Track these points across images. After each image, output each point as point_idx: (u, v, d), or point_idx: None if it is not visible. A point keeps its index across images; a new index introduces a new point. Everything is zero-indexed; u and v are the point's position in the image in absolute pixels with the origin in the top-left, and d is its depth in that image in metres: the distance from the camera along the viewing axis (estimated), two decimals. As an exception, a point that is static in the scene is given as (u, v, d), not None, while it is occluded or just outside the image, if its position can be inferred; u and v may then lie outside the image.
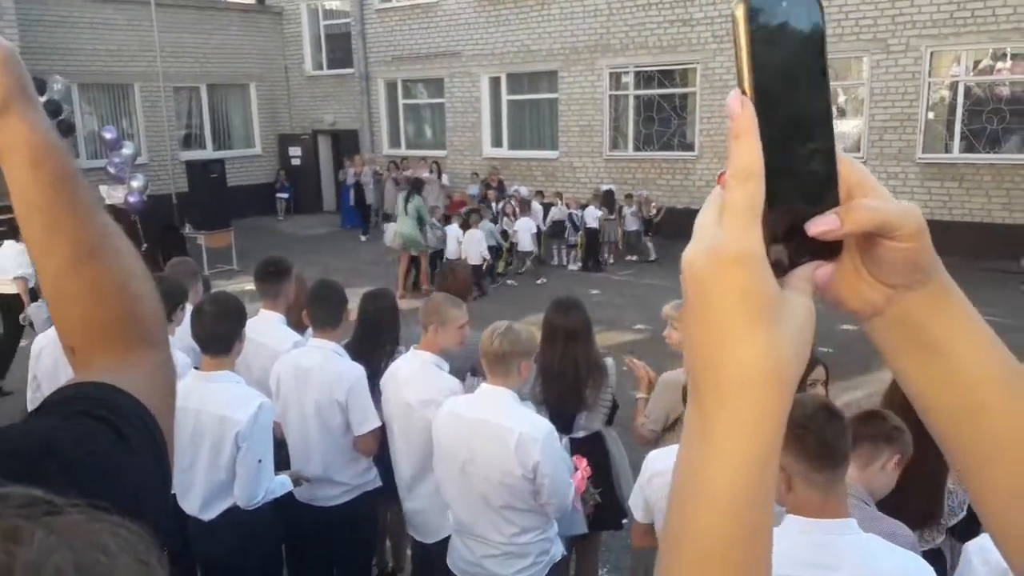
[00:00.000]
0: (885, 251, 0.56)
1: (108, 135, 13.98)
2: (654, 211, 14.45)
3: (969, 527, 2.90)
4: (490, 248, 12.30)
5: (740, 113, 0.52)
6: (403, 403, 3.55)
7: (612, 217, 14.08)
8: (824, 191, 0.54)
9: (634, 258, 14.23)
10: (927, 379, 0.60)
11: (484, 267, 12.06)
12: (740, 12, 0.52)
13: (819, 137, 0.54)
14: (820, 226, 0.53)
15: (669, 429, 3.72)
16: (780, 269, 0.53)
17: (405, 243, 12.07)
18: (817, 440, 1.88)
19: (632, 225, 14.31)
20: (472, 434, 3.07)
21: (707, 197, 0.55)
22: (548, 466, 2.97)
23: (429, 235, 12.22)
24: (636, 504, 3.05)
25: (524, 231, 13.22)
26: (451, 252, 11.84)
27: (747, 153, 0.51)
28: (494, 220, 13.04)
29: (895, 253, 0.55)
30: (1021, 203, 12.69)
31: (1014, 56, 13.02)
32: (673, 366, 4.19)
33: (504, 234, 13.15)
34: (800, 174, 0.53)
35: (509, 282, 12.88)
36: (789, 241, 0.54)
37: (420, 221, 12.00)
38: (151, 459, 0.74)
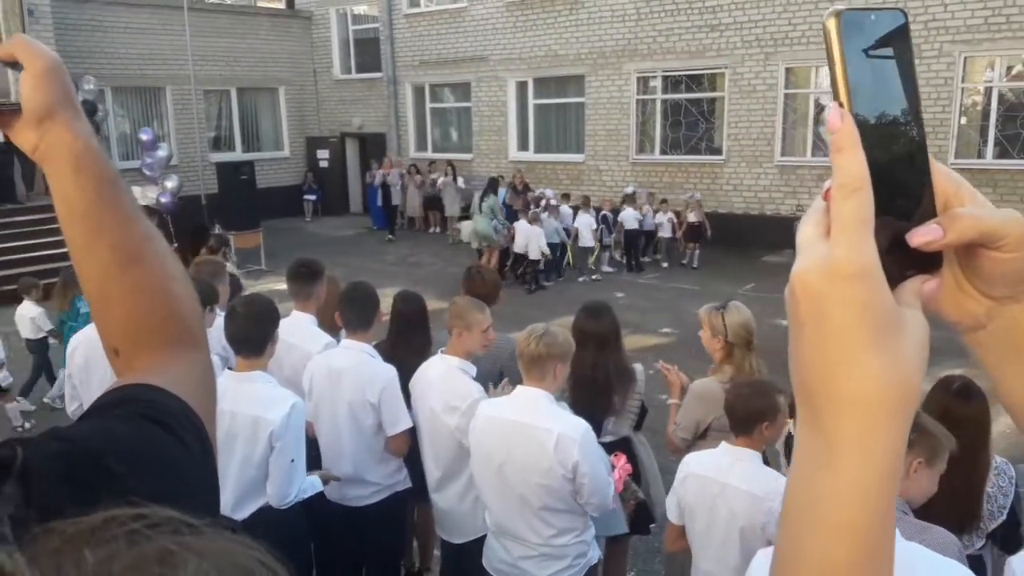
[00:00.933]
0: (988, 262, 0.54)
1: (145, 136, 14.22)
2: (698, 217, 13.97)
3: (1010, 532, 2.86)
4: (551, 245, 12.69)
5: (841, 126, 0.51)
6: (427, 408, 3.60)
7: (643, 217, 13.94)
8: (921, 201, 0.53)
9: (666, 264, 14.10)
10: None
11: (542, 263, 12.58)
12: (832, 25, 0.52)
13: (913, 146, 0.54)
14: (923, 236, 0.52)
15: (701, 438, 3.69)
16: (889, 283, 0.52)
17: (480, 240, 12.88)
18: None
19: (666, 232, 14.14)
20: (509, 436, 3.08)
21: (803, 216, 0.54)
22: (587, 465, 2.98)
23: (500, 232, 12.96)
24: (671, 505, 3.05)
25: (584, 227, 13.31)
26: (519, 247, 12.56)
27: (852, 164, 0.50)
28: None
29: (1000, 264, 0.53)
30: (1056, 210, 12.48)
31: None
32: (701, 368, 4.17)
33: (566, 231, 13.47)
34: (897, 185, 0.53)
35: (547, 283, 12.90)
36: (890, 255, 0.52)
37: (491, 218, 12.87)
38: (204, 462, 0.75)
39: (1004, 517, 2.90)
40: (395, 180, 17.78)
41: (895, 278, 0.52)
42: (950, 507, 2.68)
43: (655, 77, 16.42)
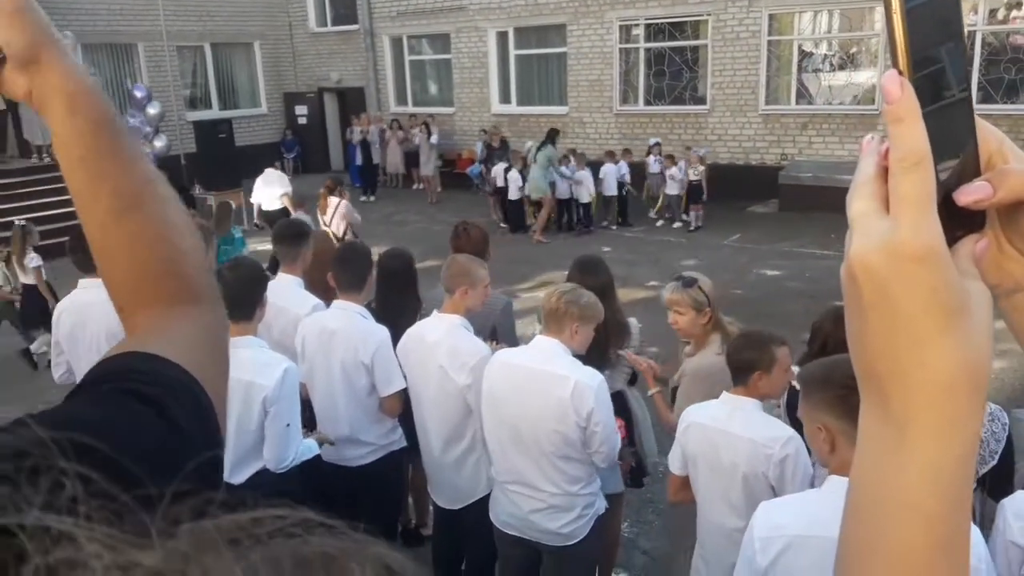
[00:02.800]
0: None
1: (139, 93, 13.91)
2: (701, 171, 13.27)
3: (1000, 477, 2.90)
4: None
5: (900, 96, 0.49)
6: (436, 367, 3.54)
7: (657, 172, 13.64)
8: (967, 159, 0.52)
9: (669, 222, 13.61)
10: None
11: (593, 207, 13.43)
12: None
13: (960, 101, 0.52)
14: (972, 194, 0.50)
15: None
16: None
17: (532, 189, 12.99)
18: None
19: (673, 189, 13.38)
20: (526, 382, 3.12)
21: (852, 182, 0.52)
22: (601, 413, 3.04)
23: (559, 182, 13.21)
24: (673, 456, 3.07)
25: (611, 176, 13.44)
26: (562, 192, 13.32)
27: (912, 137, 0.48)
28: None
29: None
30: (1039, 154, 12.53)
31: (1033, 4, 12.76)
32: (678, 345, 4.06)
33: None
34: (946, 143, 0.51)
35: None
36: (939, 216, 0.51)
37: (548, 168, 12.96)
38: (200, 437, 0.69)
39: (995, 462, 2.94)
40: (375, 138, 17.52)
41: (946, 240, 0.50)
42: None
43: (638, 25, 16.17)
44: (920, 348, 0.48)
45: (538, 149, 13.25)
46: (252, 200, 12.05)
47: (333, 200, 9.35)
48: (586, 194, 13.27)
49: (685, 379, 3.65)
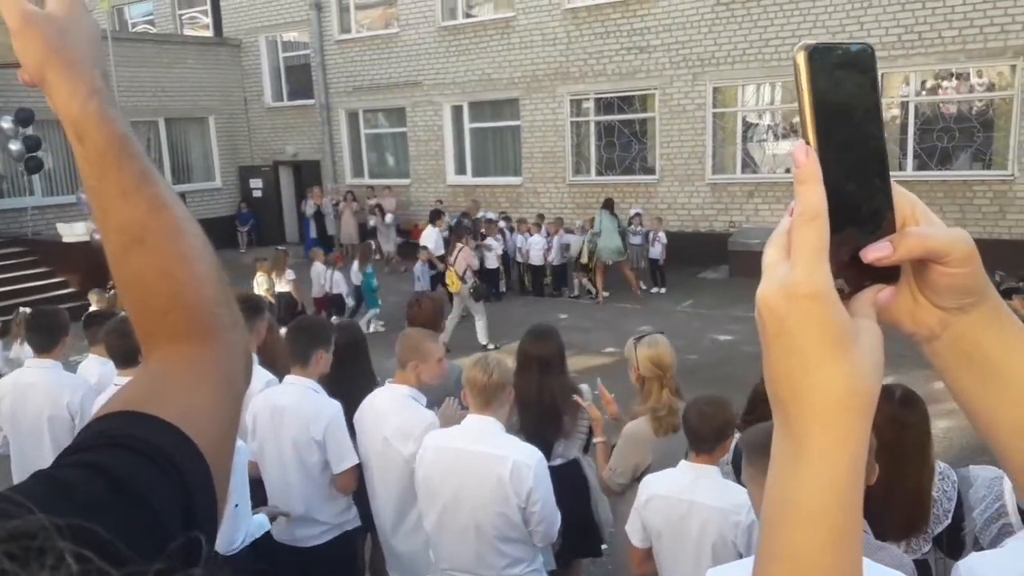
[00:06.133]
0: (937, 276, 0.58)
1: None
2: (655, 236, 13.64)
3: (954, 535, 2.93)
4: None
5: (805, 161, 0.55)
6: (380, 438, 3.50)
7: (638, 243, 13.70)
8: (881, 220, 0.58)
9: (647, 289, 13.46)
10: (986, 397, 0.62)
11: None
12: (801, 59, 0.56)
13: (876, 171, 0.58)
14: (875, 252, 0.57)
15: (637, 480, 3.55)
16: (844, 295, 0.57)
17: (613, 254, 12.95)
18: None
19: (656, 252, 13.57)
20: (463, 465, 3.05)
21: (769, 238, 0.58)
22: (540, 492, 2.97)
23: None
24: (633, 529, 3.02)
25: (535, 247, 13.81)
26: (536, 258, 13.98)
27: (812, 196, 0.55)
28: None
29: (947, 278, 0.58)
30: (975, 217, 13.04)
31: (958, 76, 13.46)
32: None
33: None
34: (860, 205, 0.57)
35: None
36: (851, 268, 0.57)
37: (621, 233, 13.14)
38: (177, 515, 0.64)
39: (949, 521, 2.97)
40: (328, 210, 17.61)
41: (855, 288, 0.58)
42: (899, 512, 2.74)
43: (588, 99, 16.66)
44: (812, 373, 0.54)
45: (606, 216, 13.10)
46: None
47: (457, 246, 10.87)
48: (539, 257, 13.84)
49: (620, 439, 3.71)
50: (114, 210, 0.78)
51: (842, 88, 0.56)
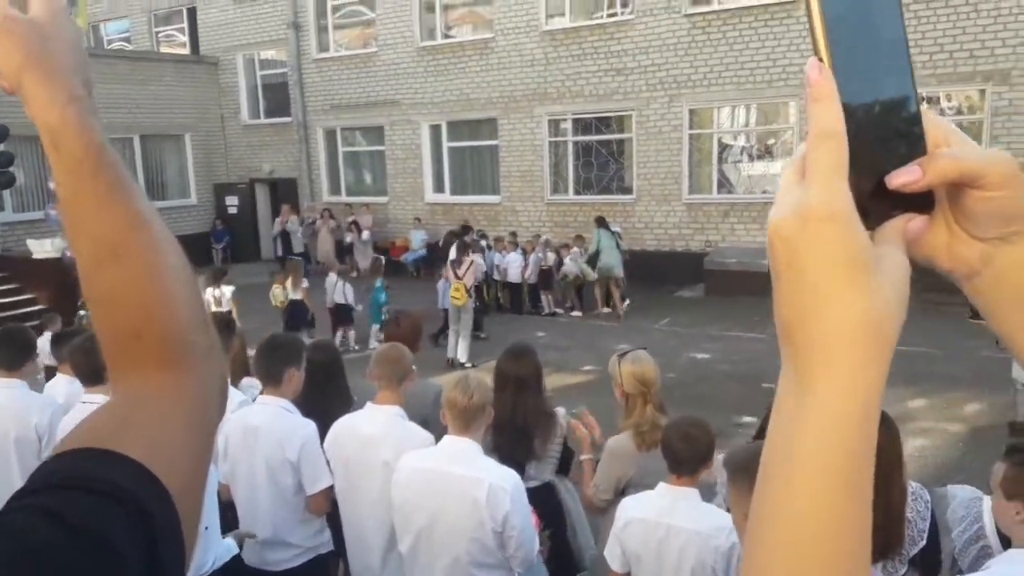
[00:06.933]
0: (974, 202, 0.53)
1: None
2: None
3: (931, 557, 2.93)
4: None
5: (818, 78, 0.51)
6: (380, 463, 3.35)
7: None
8: (910, 145, 0.53)
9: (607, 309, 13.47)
10: None
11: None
12: None
13: (900, 90, 0.53)
14: (902, 177, 0.52)
15: (621, 494, 3.55)
16: (870, 223, 0.52)
17: (608, 270, 13.12)
18: None
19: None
20: (438, 488, 2.98)
21: (785, 161, 0.55)
22: (517, 516, 2.91)
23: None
24: (612, 554, 2.98)
25: (513, 265, 13.91)
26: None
27: (826, 115, 0.51)
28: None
29: (985, 203, 0.53)
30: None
31: (928, 100, 13.72)
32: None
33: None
34: (885, 130, 0.53)
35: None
36: (876, 197, 0.52)
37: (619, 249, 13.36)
38: (140, 557, 0.60)
39: (924, 542, 2.97)
40: (294, 228, 17.57)
41: (880, 220, 0.53)
42: (874, 535, 2.73)
43: (565, 120, 16.78)
44: (824, 302, 0.50)
45: (611, 234, 13.39)
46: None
47: (466, 260, 11.01)
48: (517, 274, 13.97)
49: (603, 454, 3.68)
50: (89, 220, 0.73)
51: (855, 4, 0.52)
